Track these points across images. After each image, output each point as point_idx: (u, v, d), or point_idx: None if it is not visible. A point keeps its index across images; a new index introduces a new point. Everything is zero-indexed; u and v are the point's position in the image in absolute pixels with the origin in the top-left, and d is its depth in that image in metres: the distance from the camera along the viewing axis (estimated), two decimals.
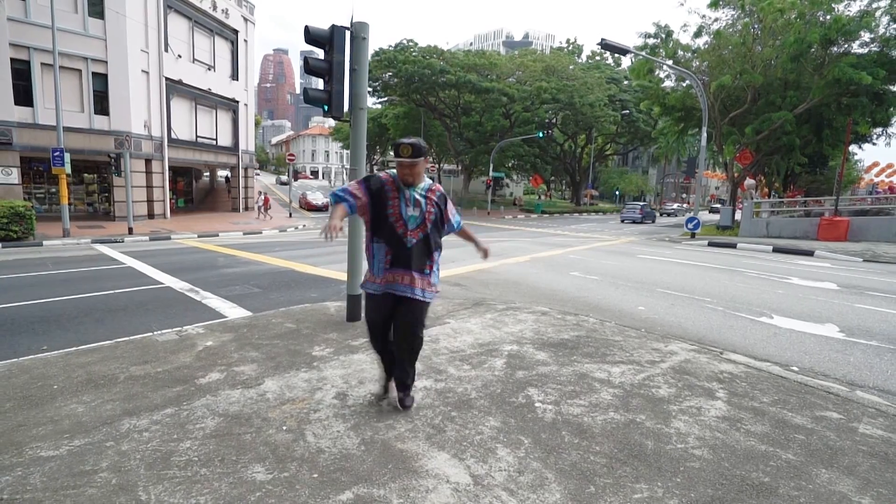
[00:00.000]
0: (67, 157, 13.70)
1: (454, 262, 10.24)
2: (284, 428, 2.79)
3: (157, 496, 2.13)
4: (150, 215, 20.05)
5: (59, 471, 2.31)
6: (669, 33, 21.28)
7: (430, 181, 2.97)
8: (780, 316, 6.10)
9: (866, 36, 17.72)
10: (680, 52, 21.55)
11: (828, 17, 17.21)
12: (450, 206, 3.02)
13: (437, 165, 49.41)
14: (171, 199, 21.00)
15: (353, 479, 2.30)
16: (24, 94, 16.24)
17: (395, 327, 2.94)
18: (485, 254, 3.23)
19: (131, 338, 4.45)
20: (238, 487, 2.22)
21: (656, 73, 22.89)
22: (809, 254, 13.32)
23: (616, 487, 2.30)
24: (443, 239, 3.02)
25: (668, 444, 2.73)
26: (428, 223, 2.85)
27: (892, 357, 4.61)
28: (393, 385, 3.14)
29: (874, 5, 17.24)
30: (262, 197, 22.98)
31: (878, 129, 21.49)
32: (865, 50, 18.06)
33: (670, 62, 20.91)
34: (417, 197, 2.84)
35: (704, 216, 30.65)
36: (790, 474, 2.47)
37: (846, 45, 18.10)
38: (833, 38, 16.99)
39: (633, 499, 2.22)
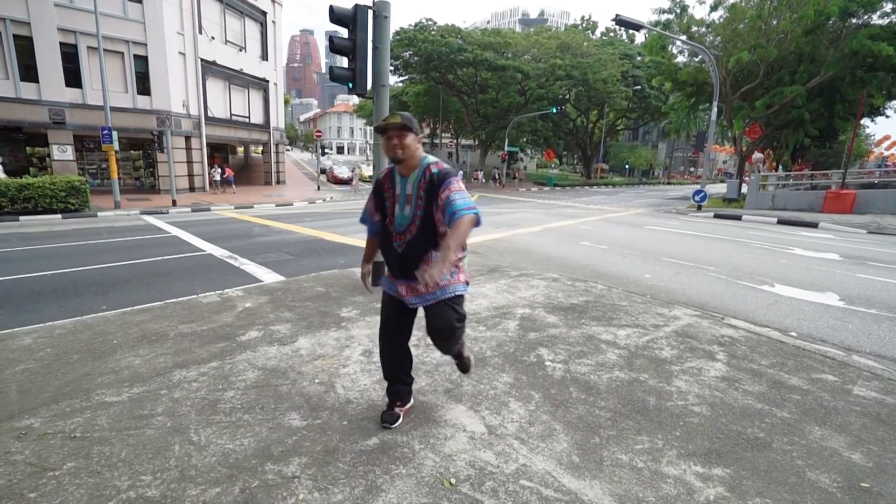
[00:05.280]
0: (115, 135, 13.92)
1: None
2: (317, 381, 2.88)
3: (206, 437, 2.25)
4: (191, 188, 20.38)
5: (122, 414, 2.45)
6: (684, 8, 20.10)
7: (428, 161, 2.18)
8: (781, 284, 5.96)
9: (888, 6, 16.42)
10: (694, 28, 20.41)
11: None
12: (446, 188, 2.08)
13: (455, 141, 48.66)
14: (209, 174, 21.22)
15: (378, 427, 2.38)
16: (73, 77, 16.42)
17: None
18: (423, 281, 1.98)
19: (179, 299, 4.60)
20: (277, 432, 2.32)
21: (669, 48, 21.80)
22: (814, 225, 12.85)
23: (619, 439, 2.33)
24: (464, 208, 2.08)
25: (669, 401, 2.74)
26: (417, 220, 2.16)
27: (890, 324, 4.48)
28: (398, 409, 2.45)
29: None
30: (220, 169, 21.26)
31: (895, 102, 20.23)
32: (885, 21, 16.79)
33: (684, 37, 19.84)
34: (409, 191, 2.17)
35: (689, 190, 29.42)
36: (784, 431, 2.46)
37: (866, 17, 16.85)
38: (853, 10, 15.81)
39: (634, 449, 2.25)
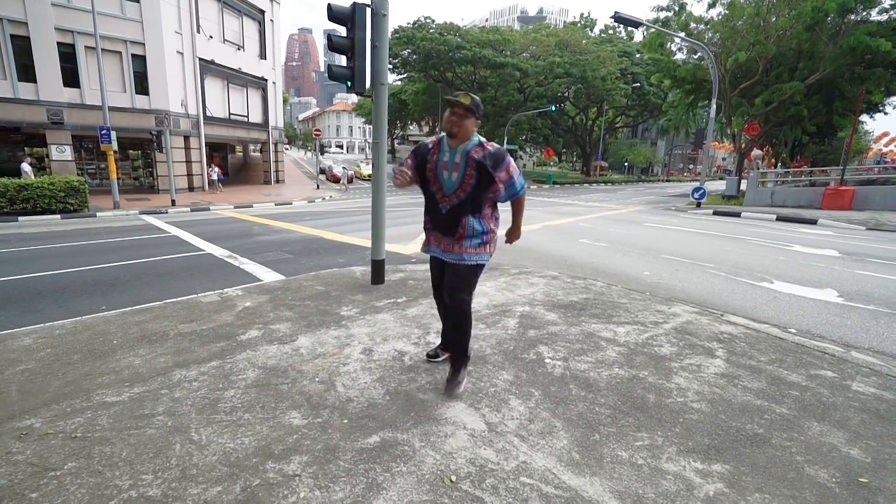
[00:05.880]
0: (113, 134, 13.89)
1: None
2: (317, 379, 2.88)
3: (207, 437, 2.25)
4: (190, 188, 20.36)
5: (123, 414, 2.45)
6: (683, 5, 20.08)
7: (480, 139, 2.55)
8: (780, 281, 5.96)
9: (887, 2, 16.40)
10: (692, 24, 20.38)
11: None
12: (504, 169, 2.49)
13: None
14: (208, 173, 21.16)
15: (379, 425, 2.38)
16: (71, 76, 16.37)
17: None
18: (508, 238, 2.88)
19: (178, 299, 4.60)
20: (277, 430, 2.32)
21: (668, 46, 21.77)
22: (812, 222, 12.86)
23: (619, 436, 2.34)
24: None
25: (669, 397, 2.74)
26: (467, 188, 2.52)
27: (888, 320, 4.49)
28: (441, 351, 3.13)
29: None
30: (214, 169, 20.99)
31: (894, 99, 20.21)
32: (884, 17, 16.76)
33: (682, 34, 19.82)
34: (457, 160, 2.51)
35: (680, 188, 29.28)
36: (783, 427, 2.47)
37: (864, 13, 16.83)
38: (851, 7, 15.77)
39: (634, 446, 2.25)
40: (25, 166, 14.30)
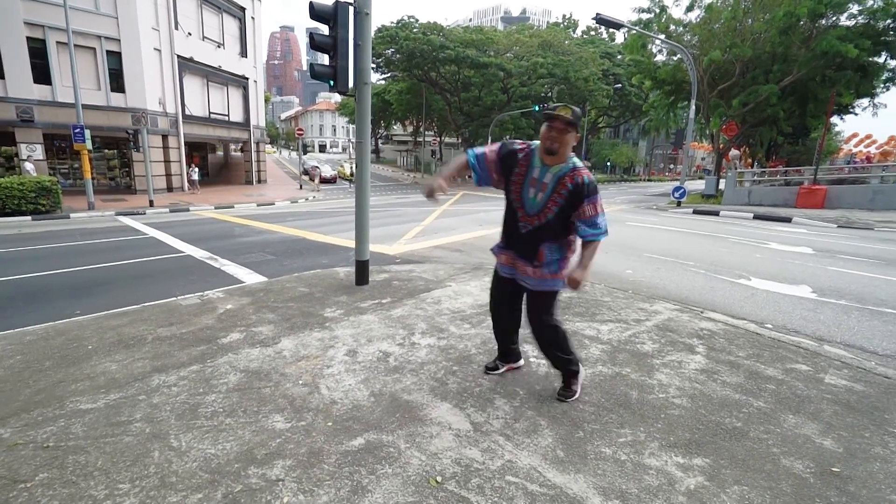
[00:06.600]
0: (88, 133, 13.49)
1: (454, 229, 10.19)
2: (300, 382, 2.85)
3: (187, 443, 2.20)
4: (169, 188, 19.91)
5: (98, 421, 2.38)
6: (663, 8, 20.46)
7: (576, 163, 2.30)
8: (757, 278, 6.12)
9: (854, 8, 16.99)
10: (672, 27, 20.76)
11: None
12: (591, 204, 2.27)
13: (438, 139, 48.60)
14: (188, 173, 20.70)
15: (364, 427, 2.37)
16: (42, 73, 15.83)
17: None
18: (571, 282, 2.35)
19: (157, 302, 4.49)
20: (260, 435, 2.28)
21: (649, 47, 22.12)
22: (788, 220, 13.23)
23: (603, 432, 2.37)
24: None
25: (651, 394, 2.79)
26: (549, 213, 2.33)
27: (859, 315, 4.65)
28: (500, 363, 2.98)
29: None
30: (194, 168, 20.76)
31: (864, 101, 20.93)
32: (853, 22, 17.36)
33: (662, 36, 20.18)
34: (546, 180, 2.30)
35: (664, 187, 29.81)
36: (760, 420, 2.53)
37: (834, 18, 17.39)
38: (822, 12, 16.29)
39: (617, 442, 2.29)
40: (28, 165, 14.57)
